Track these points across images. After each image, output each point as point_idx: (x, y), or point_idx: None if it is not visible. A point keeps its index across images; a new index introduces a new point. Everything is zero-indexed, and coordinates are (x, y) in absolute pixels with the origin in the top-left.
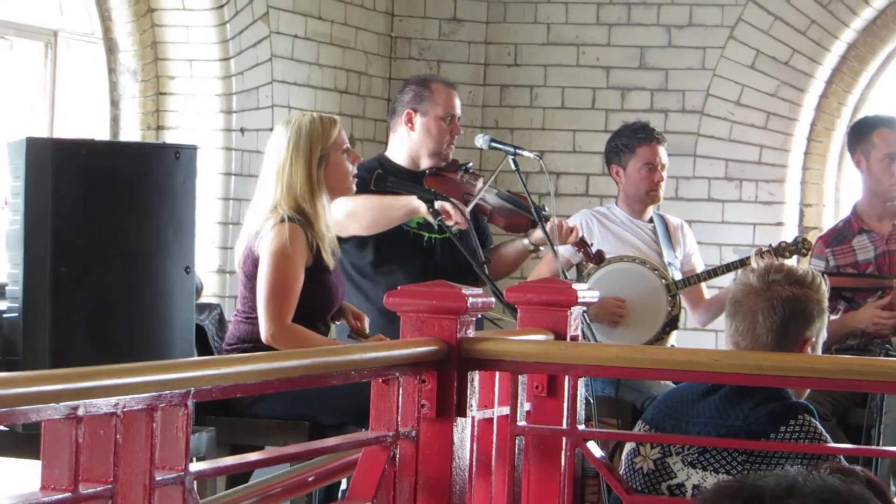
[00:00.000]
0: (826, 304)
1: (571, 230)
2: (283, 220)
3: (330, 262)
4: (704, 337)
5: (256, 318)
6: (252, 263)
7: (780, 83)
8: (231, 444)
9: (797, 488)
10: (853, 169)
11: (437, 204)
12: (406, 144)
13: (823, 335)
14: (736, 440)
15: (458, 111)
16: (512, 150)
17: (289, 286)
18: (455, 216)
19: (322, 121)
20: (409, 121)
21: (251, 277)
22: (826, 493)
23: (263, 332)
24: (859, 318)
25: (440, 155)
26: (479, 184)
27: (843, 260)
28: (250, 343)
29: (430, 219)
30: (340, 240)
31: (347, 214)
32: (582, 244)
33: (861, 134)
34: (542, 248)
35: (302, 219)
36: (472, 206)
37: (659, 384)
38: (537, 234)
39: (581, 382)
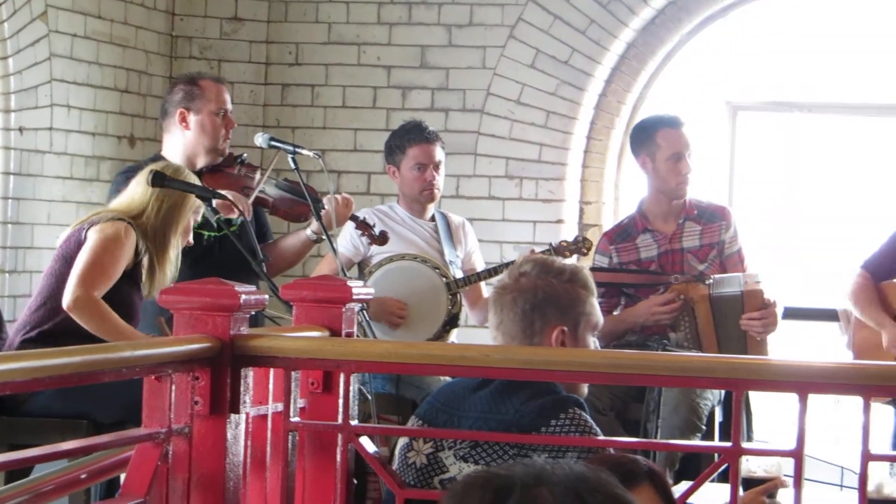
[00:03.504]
0: (586, 294)
1: (348, 202)
2: (123, 221)
3: (145, 286)
4: (485, 334)
5: (49, 304)
6: (76, 243)
7: (560, 82)
8: (8, 442)
9: (545, 476)
10: (632, 167)
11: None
12: (181, 144)
13: (592, 326)
14: (506, 434)
15: (230, 105)
16: (291, 148)
17: (108, 266)
18: (241, 205)
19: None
20: (184, 120)
21: (68, 258)
22: (573, 480)
23: (67, 297)
24: (636, 312)
25: (217, 150)
26: (257, 176)
27: (627, 257)
28: (37, 329)
29: (210, 217)
30: None
31: None
32: (364, 226)
33: (644, 136)
34: (323, 237)
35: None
36: (253, 197)
37: (438, 380)
38: (317, 224)
39: (354, 379)
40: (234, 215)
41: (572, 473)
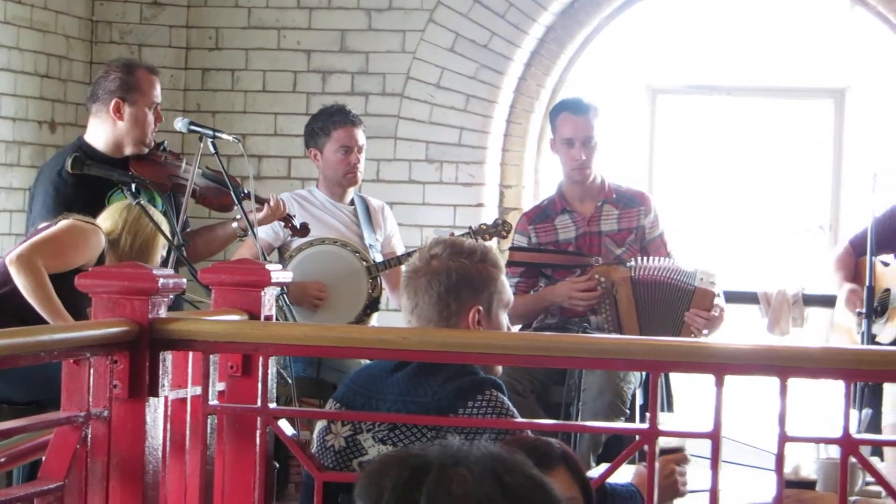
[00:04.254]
0: (497, 272)
1: (277, 209)
2: (94, 225)
3: None
4: None
5: None
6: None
7: (480, 66)
8: None
9: (462, 457)
10: (551, 151)
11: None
12: (110, 132)
13: (504, 304)
14: (424, 416)
15: (160, 97)
16: (211, 133)
17: (66, 247)
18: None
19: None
20: (118, 110)
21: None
22: (491, 461)
23: (13, 253)
24: (556, 292)
25: (144, 143)
26: (182, 164)
27: (545, 238)
28: None
29: (130, 200)
30: None
31: None
32: (286, 218)
33: (551, 118)
34: (249, 233)
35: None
36: (189, 188)
37: (359, 363)
38: (244, 220)
39: (273, 362)
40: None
41: (489, 454)
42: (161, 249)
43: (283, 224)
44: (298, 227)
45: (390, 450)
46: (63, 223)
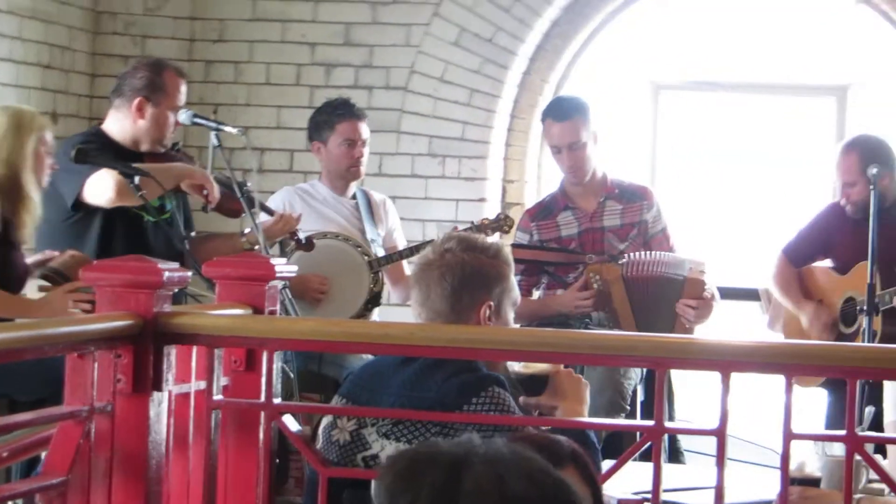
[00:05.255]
0: (508, 270)
1: (289, 222)
2: None
3: (22, 239)
4: (407, 313)
5: None
6: None
7: (484, 60)
8: None
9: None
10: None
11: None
12: (129, 128)
13: (512, 301)
14: (427, 412)
15: (184, 100)
16: (214, 125)
17: None
18: (211, 194)
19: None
20: (140, 109)
21: None
22: (520, 459)
23: None
24: (561, 302)
25: (161, 143)
26: (195, 165)
27: (547, 235)
28: None
29: (133, 192)
30: (66, 216)
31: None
32: (292, 233)
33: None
34: (256, 247)
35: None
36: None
37: (360, 359)
38: (254, 234)
39: (277, 356)
40: (201, 197)
41: (519, 454)
42: (38, 135)
43: (288, 237)
44: (304, 241)
45: (393, 444)
46: None
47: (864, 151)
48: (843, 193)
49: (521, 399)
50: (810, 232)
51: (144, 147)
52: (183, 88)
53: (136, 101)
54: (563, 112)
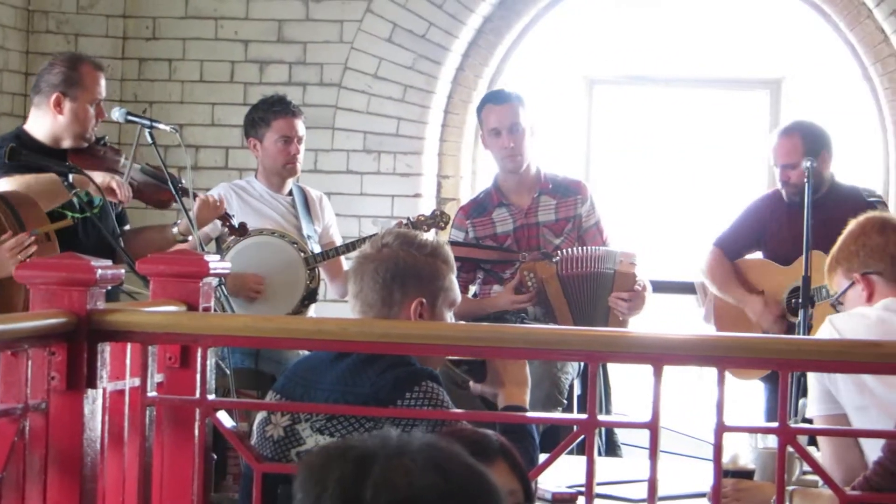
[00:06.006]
0: (446, 269)
1: (218, 204)
2: None
3: None
4: (344, 309)
5: None
6: None
7: (418, 56)
8: None
9: (404, 447)
10: (484, 147)
11: (101, 180)
12: (50, 125)
13: (449, 301)
14: (360, 407)
15: (104, 93)
16: (148, 123)
17: None
18: (120, 192)
19: None
20: (58, 104)
21: None
22: (431, 450)
23: None
24: (497, 303)
25: (84, 138)
26: (121, 158)
27: (483, 231)
28: None
29: (67, 191)
30: None
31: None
32: (225, 217)
33: (478, 111)
34: (189, 237)
35: None
36: (126, 179)
37: (297, 354)
38: (185, 223)
39: (211, 353)
40: (116, 199)
41: (429, 444)
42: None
43: (221, 223)
44: (237, 226)
45: (327, 440)
46: None
47: (805, 134)
48: (782, 176)
49: (471, 385)
50: (744, 223)
51: (66, 143)
52: (102, 81)
53: (54, 96)
54: (504, 96)
